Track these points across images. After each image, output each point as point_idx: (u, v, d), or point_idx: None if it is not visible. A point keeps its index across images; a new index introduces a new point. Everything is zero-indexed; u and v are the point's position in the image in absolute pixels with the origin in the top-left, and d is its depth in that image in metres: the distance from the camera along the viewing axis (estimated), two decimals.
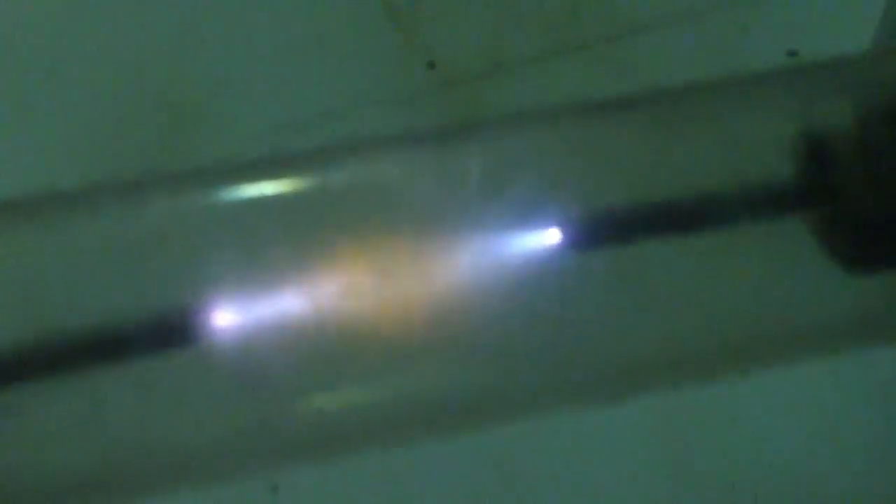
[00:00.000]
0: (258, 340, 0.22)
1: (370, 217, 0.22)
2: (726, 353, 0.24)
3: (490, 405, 0.23)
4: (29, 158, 0.38)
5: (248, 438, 0.22)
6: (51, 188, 0.23)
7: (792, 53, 0.38)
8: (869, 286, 0.24)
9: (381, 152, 0.24)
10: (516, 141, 0.24)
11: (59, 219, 0.23)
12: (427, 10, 0.40)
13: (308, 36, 0.40)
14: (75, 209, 0.23)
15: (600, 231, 0.23)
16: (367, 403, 0.23)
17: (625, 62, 0.38)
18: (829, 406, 0.34)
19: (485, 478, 0.33)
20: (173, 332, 0.22)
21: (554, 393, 0.24)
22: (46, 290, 0.22)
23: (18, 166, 0.37)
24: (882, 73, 0.25)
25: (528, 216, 0.22)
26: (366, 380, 0.22)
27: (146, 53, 0.40)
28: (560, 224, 0.22)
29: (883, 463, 0.34)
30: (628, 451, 0.34)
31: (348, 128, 0.38)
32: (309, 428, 0.23)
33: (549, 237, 0.22)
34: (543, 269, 0.22)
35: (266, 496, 0.33)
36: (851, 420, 0.34)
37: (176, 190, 0.23)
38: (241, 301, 0.22)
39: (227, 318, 0.22)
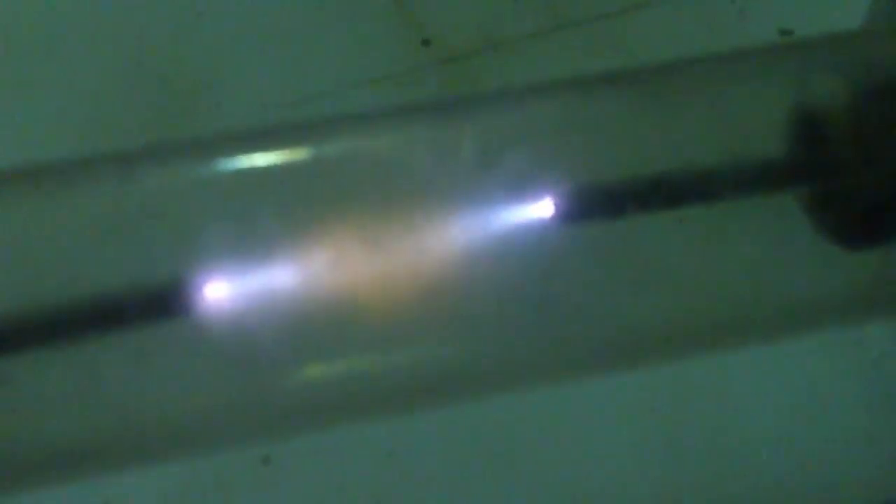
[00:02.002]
0: (252, 311, 0.22)
1: (364, 190, 0.23)
2: (717, 328, 0.24)
3: (483, 376, 0.23)
4: (26, 131, 0.38)
5: (241, 409, 0.22)
6: (47, 161, 0.23)
7: (785, 32, 0.38)
8: (860, 262, 0.24)
9: (375, 125, 0.24)
10: (510, 115, 0.24)
11: (54, 190, 0.23)
12: None
13: (303, 14, 0.40)
14: (70, 181, 0.23)
15: (593, 205, 0.23)
16: (360, 375, 0.23)
17: (619, 39, 0.38)
18: (821, 381, 0.34)
19: (478, 448, 0.34)
20: (167, 302, 0.22)
21: (546, 365, 0.24)
22: (42, 260, 0.22)
23: (16, 138, 0.37)
24: (875, 52, 0.25)
25: (521, 190, 0.22)
26: (358, 351, 0.23)
27: (145, 29, 0.40)
28: (553, 198, 0.22)
29: (872, 437, 0.34)
30: (619, 425, 0.34)
31: (343, 105, 0.38)
32: (301, 399, 0.23)
33: (542, 210, 0.22)
34: (536, 242, 0.22)
35: (258, 467, 0.33)
36: (842, 395, 0.34)
37: (170, 162, 0.23)
38: (234, 272, 0.22)
39: (220, 289, 0.22)
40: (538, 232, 0.22)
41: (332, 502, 0.34)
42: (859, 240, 0.24)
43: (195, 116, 0.38)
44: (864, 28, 0.26)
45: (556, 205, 0.22)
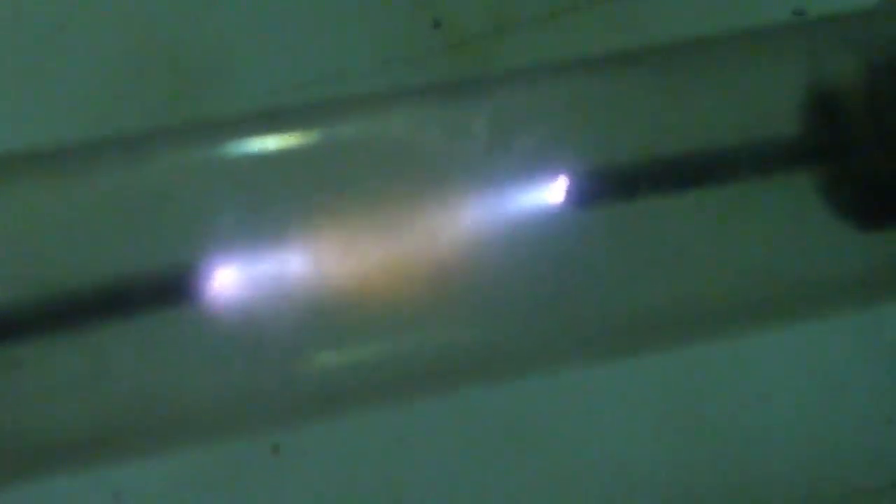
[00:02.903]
0: (261, 298, 0.22)
1: (375, 172, 0.22)
2: (733, 310, 0.24)
3: (495, 361, 0.23)
4: (35, 115, 0.38)
5: (250, 397, 0.22)
6: (56, 145, 0.23)
7: (798, 13, 0.37)
8: (877, 242, 0.24)
9: (386, 107, 0.23)
10: (522, 96, 0.24)
11: (62, 173, 0.23)
12: None
13: None
14: (78, 164, 0.23)
15: (606, 186, 0.23)
16: (370, 362, 0.23)
17: (631, 20, 0.38)
18: (838, 363, 0.34)
19: (489, 434, 0.34)
20: (176, 289, 0.22)
21: (559, 349, 0.24)
22: (51, 245, 0.22)
23: (24, 122, 0.37)
24: (890, 29, 0.25)
25: (534, 171, 0.22)
26: (369, 338, 0.22)
27: (155, 11, 0.40)
28: (565, 179, 0.22)
29: (891, 417, 0.34)
30: (635, 409, 0.34)
31: (353, 87, 0.38)
32: (310, 387, 0.23)
33: (555, 192, 0.22)
34: (548, 224, 0.22)
35: (267, 456, 0.33)
36: (859, 376, 0.34)
37: (179, 145, 0.23)
38: (244, 258, 0.22)
39: (230, 275, 0.21)
40: (551, 213, 0.22)
41: (342, 490, 0.34)
42: (876, 219, 0.24)
43: (204, 99, 0.38)
44: (878, 5, 0.26)
45: (569, 186, 0.22)
